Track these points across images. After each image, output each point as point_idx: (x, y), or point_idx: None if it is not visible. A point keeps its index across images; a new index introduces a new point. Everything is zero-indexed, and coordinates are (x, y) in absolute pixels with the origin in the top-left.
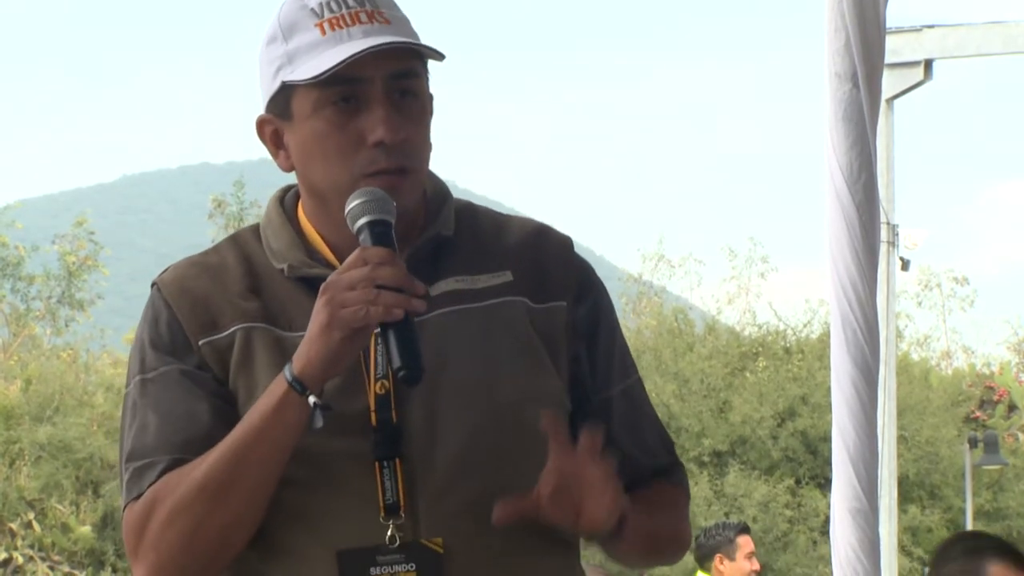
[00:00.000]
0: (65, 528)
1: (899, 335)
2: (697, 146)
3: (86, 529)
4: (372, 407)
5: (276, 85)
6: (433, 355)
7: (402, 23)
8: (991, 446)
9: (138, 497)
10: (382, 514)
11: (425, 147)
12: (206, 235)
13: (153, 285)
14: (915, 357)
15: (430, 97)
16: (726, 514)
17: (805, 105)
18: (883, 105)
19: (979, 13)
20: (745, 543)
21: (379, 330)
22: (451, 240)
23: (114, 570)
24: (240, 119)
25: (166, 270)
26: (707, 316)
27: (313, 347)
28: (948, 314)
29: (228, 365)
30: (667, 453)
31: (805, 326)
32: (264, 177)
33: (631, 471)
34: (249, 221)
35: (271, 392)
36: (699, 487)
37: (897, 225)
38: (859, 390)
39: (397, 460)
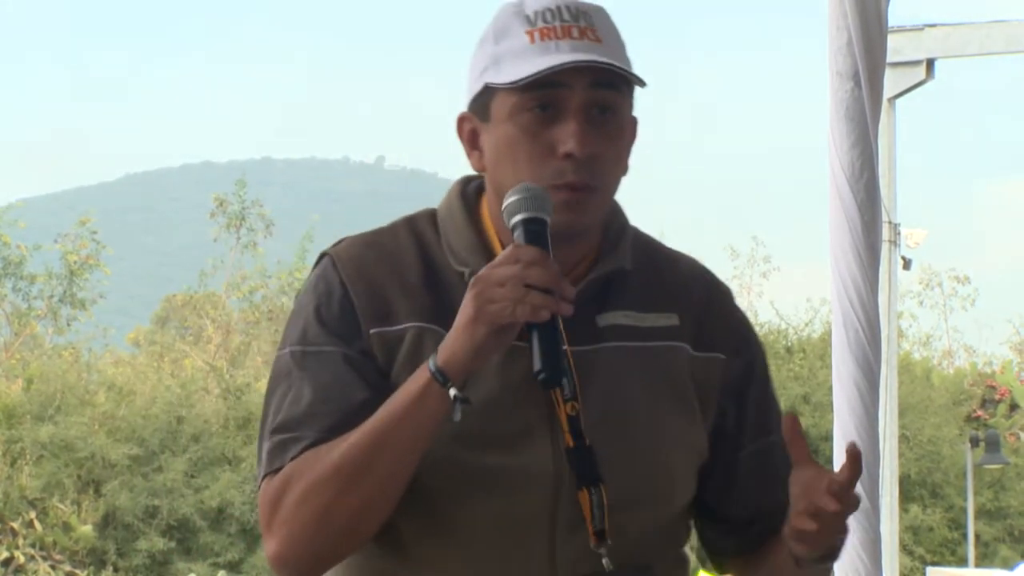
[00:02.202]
0: (66, 527)
1: (901, 334)
2: (697, 144)
3: (87, 528)
4: (566, 428)
5: (479, 86)
6: (596, 386)
7: (614, 45)
8: (992, 445)
9: (277, 471)
10: (593, 541)
11: (616, 168)
12: (208, 234)
13: (326, 255)
14: (917, 356)
15: (632, 120)
16: None
17: (807, 104)
18: (885, 104)
19: (981, 12)
20: None
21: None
22: (628, 273)
23: (115, 569)
24: (241, 118)
25: (341, 242)
26: None
27: (458, 340)
28: (949, 313)
29: (395, 359)
30: None
31: (807, 325)
32: (265, 176)
33: (762, 528)
34: (251, 220)
35: (413, 381)
36: None
37: (898, 224)
38: (861, 389)
39: (603, 485)
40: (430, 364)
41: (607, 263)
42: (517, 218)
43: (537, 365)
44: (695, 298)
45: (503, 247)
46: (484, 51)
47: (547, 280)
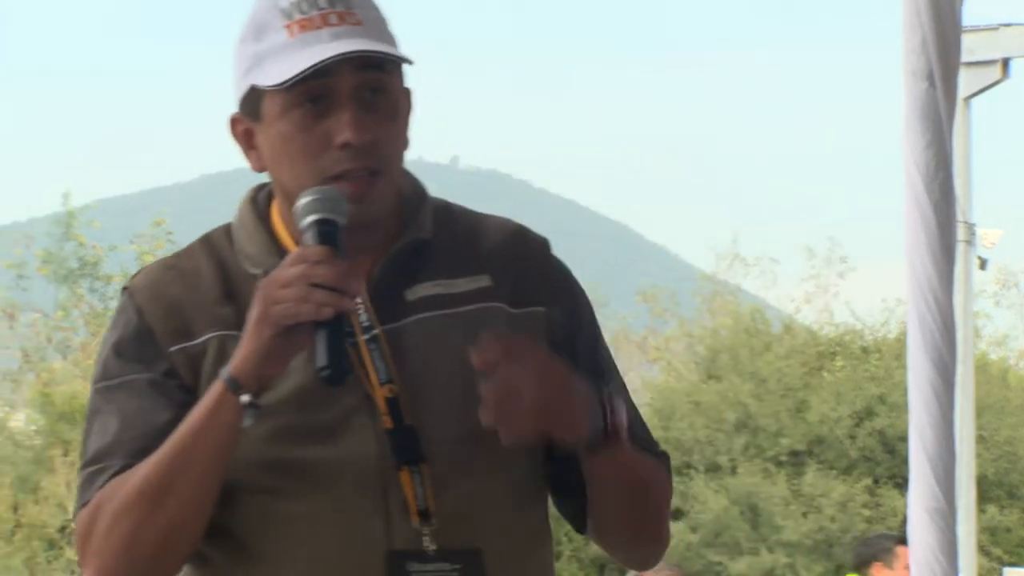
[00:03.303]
0: None
1: (977, 334)
2: (774, 144)
3: None
4: (385, 411)
5: (246, 87)
6: (413, 361)
7: (376, 23)
8: None
9: (87, 503)
10: (414, 520)
11: (396, 147)
12: None
13: (125, 290)
14: (993, 356)
15: (406, 92)
16: (803, 513)
17: (884, 103)
18: (960, 104)
19: None
20: (904, 554)
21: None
22: (429, 243)
23: None
24: None
25: (138, 274)
26: (782, 315)
27: (248, 345)
28: None
29: (200, 372)
30: (653, 448)
31: (882, 325)
32: None
33: None
34: None
35: (209, 393)
36: (777, 487)
37: (974, 224)
38: (936, 390)
39: (424, 464)
40: (223, 373)
41: (406, 235)
42: (308, 220)
43: (321, 362)
44: (507, 256)
45: (297, 246)
46: (245, 50)
47: (333, 278)
